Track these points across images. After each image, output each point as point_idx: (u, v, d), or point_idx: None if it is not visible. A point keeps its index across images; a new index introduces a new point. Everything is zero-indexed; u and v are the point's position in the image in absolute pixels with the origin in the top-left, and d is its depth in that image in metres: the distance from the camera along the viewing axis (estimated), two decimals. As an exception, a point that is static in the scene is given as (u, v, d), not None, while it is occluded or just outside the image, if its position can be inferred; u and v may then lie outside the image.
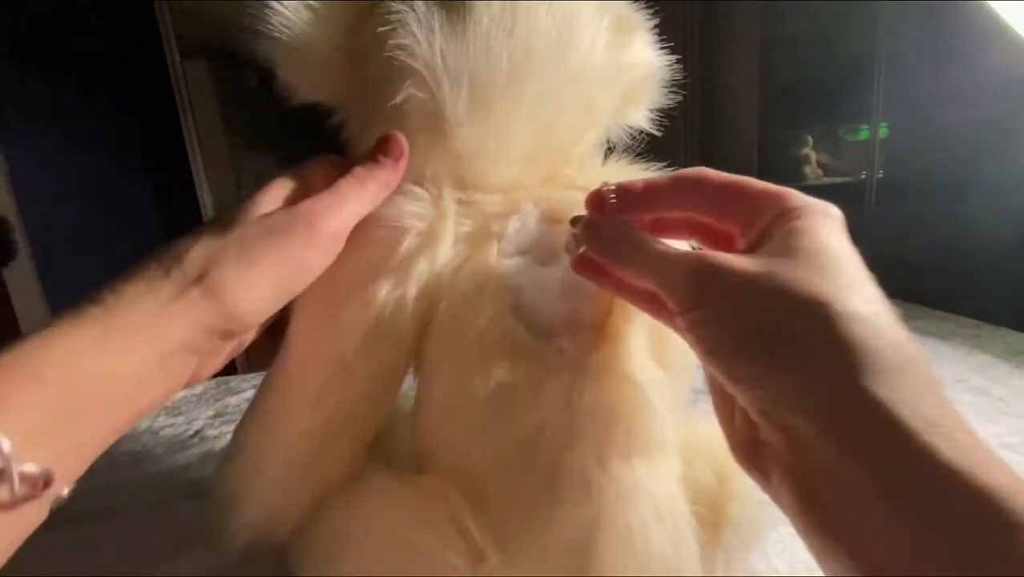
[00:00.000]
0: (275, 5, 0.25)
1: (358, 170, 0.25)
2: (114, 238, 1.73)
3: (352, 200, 0.24)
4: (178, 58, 1.60)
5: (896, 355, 0.16)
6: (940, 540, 0.14)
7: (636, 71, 0.29)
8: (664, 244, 0.21)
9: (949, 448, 0.15)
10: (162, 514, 0.42)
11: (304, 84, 0.27)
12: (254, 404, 0.27)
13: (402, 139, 0.26)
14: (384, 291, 0.25)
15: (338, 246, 0.24)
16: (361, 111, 0.28)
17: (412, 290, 0.25)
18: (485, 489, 0.25)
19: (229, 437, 0.54)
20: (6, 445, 0.16)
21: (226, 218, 0.23)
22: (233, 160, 1.93)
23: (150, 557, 0.37)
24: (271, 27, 0.25)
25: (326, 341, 0.25)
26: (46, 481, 0.17)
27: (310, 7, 0.25)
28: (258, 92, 2.04)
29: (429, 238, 0.25)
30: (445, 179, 0.27)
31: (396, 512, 0.25)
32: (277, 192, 0.24)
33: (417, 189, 0.27)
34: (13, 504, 0.17)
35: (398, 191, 0.26)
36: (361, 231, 0.25)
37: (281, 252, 0.22)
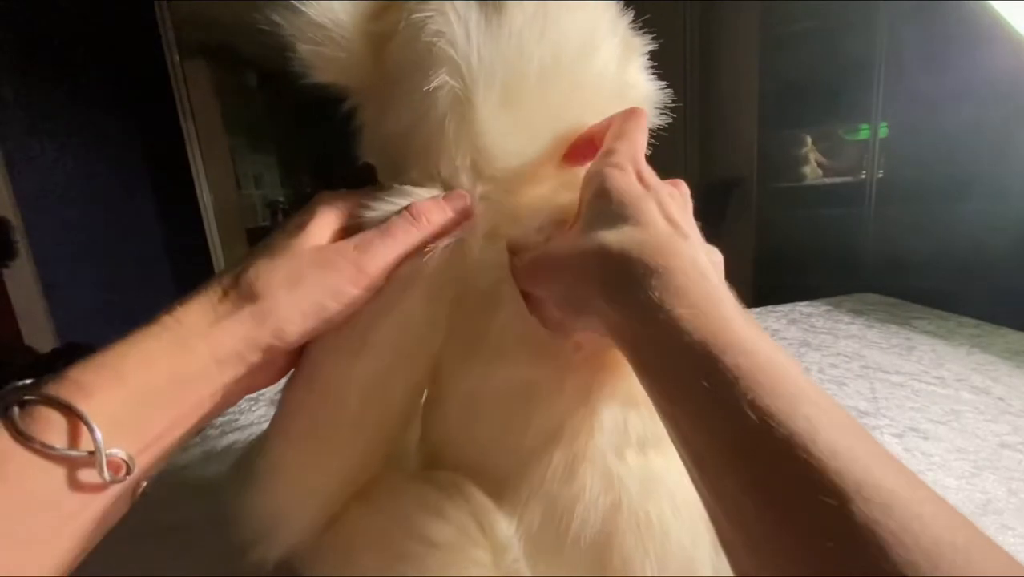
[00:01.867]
0: None
1: (414, 207, 0.25)
2: (114, 238, 1.74)
3: (399, 239, 0.24)
4: (178, 58, 1.61)
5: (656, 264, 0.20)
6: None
7: (634, 92, 0.30)
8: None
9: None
10: (162, 514, 0.42)
11: (322, 63, 0.26)
12: (281, 428, 0.26)
13: (470, 199, 0.26)
14: (417, 305, 0.25)
15: (380, 282, 0.25)
16: (379, 97, 0.27)
17: (443, 299, 0.25)
18: (505, 483, 0.26)
19: (230, 437, 0.54)
20: (98, 433, 0.19)
21: (280, 244, 0.25)
22: (233, 160, 1.93)
23: (151, 557, 0.37)
24: (297, 2, 0.25)
25: (360, 361, 0.25)
26: (128, 468, 0.20)
27: None
28: (258, 92, 2.04)
29: (458, 244, 0.25)
30: (469, 171, 0.26)
31: (413, 508, 0.25)
32: (327, 219, 0.26)
33: (428, 192, 0.26)
34: (103, 487, 0.20)
35: (409, 193, 0.26)
36: None
37: (326, 286, 0.24)
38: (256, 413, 0.58)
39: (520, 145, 0.26)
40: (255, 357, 0.23)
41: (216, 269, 1.62)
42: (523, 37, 0.24)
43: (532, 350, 0.25)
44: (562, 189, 0.27)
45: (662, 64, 0.31)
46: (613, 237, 0.21)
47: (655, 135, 0.30)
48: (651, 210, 0.22)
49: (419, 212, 0.25)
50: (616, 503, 0.25)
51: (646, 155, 0.28)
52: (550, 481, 0.25)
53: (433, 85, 0.24)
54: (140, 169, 1.78)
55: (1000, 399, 0.51)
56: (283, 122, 2.04)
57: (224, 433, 0.55)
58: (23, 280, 1.52)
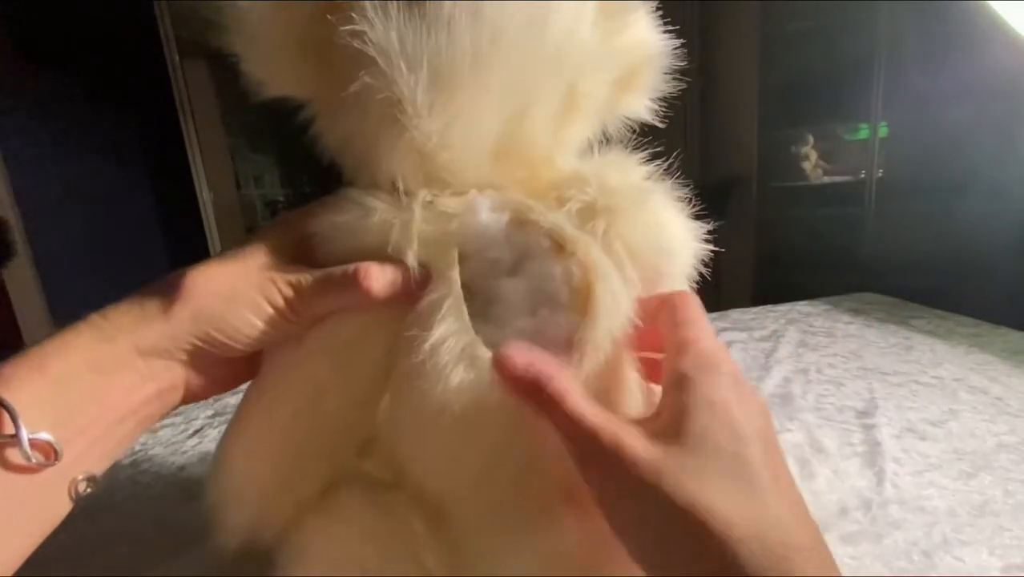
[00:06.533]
0: None
1: (360, 271, 0.23)
2: (113, 238, 1.73)
3: (333, 301, 0.24)
4: (178, 58, 1.60)
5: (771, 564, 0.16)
6: None
7: (633, 55, 0.27)
8: (582, 402, 0.20)
9: None
10: (160, 514, 0.42)
11: (269, 77, 0.26)
12: (235, 420, 0.27)
13: (425, 281, 0.24)
14: (351, 324, 0.25)
15: (311, 323, 0.25)
16: (328, 105, 0.26)
17: (380, 308, 0.24)
18: (451, 509, 0.25)
19: (229, 437, 0.54)
20: (17, 412, 0.19)
21: (230, 255, 0.25)
22: (233, 160, 1.93)
23: (148, 557, 0.37)
24: (230, 20, 0.24)
25: (296, 367, 0.25)
26: (56, 454, 0.20)
27: None
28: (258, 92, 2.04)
29: (393, 252, 0.24)
30: (412, 178, 0.25)
31: (354, 532, 0.25)
32: (281, 236, 0.26)
33: (374, 200, 0.25)
34: (32, 471, 0.20)
35: (356, 201, 0.25)
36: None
37: (259, 311, 0.24)
38: (256, 413, 0.58)
39: (463, 139, 0.24)
40: (183, 357, 0.24)
41: (216, 269, 1.62)
42: (452, 17, 0.22)
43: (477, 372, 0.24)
44: (523, 189, 0.26)
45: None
46: (723, 504, 0.17)
47: (656, 126, 0.29)
48: (760, 464, 0.18)
49: (365, 277, 0.23)
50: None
51: (647, 154, 0.27)
52: (496, 512, 0.24)
53: (353, 88, 0.23)
54: (140, 169, 1.78)
55: (998, 399, 0.51)
56: (283, 122, 2.04)
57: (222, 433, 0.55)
58: (23, 280, 1.51)
